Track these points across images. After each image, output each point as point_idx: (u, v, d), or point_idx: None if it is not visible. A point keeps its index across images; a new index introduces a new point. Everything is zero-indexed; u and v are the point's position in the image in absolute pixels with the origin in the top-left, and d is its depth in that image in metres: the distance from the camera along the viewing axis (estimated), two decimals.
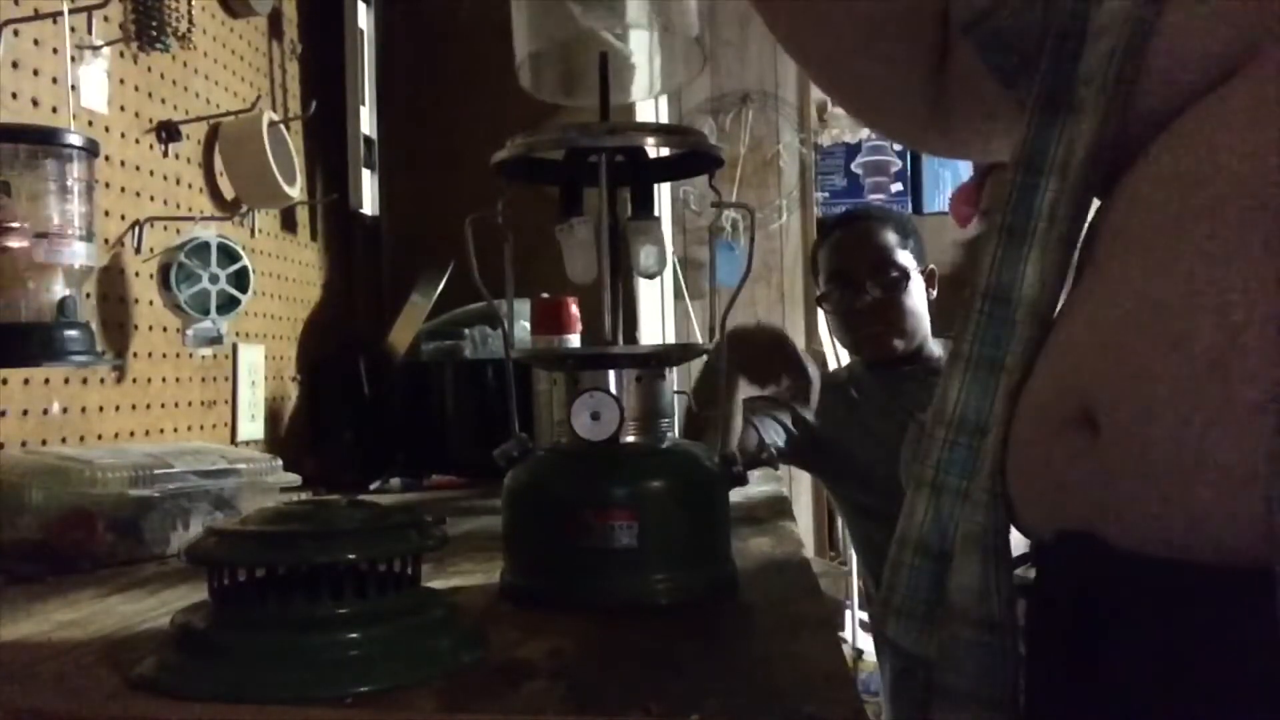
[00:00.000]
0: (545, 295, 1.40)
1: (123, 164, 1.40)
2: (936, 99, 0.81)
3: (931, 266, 1.84)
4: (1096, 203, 0.63)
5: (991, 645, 0.61)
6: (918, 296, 1.77)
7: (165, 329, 1.47)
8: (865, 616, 2.73)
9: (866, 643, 2.73)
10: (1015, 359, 0.62)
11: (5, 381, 1.15)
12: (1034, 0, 0.71)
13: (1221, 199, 0.51)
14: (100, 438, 1.32)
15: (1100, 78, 0.59)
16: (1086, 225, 0.62)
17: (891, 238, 1.77)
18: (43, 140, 1.06)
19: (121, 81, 1.39)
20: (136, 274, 1.41)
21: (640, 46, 0.76)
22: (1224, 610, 0.48)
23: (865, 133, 3.54)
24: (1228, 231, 0.50)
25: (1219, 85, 0.53)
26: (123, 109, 1.39)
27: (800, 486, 2.57)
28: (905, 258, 1.76)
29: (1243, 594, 0.46)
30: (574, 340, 1.38)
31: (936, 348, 1.81)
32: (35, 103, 1.21)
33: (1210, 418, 0.48)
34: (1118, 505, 0.52)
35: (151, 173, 1.46)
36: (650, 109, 2.05)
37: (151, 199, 1.45)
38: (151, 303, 1.43)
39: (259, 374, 1.72)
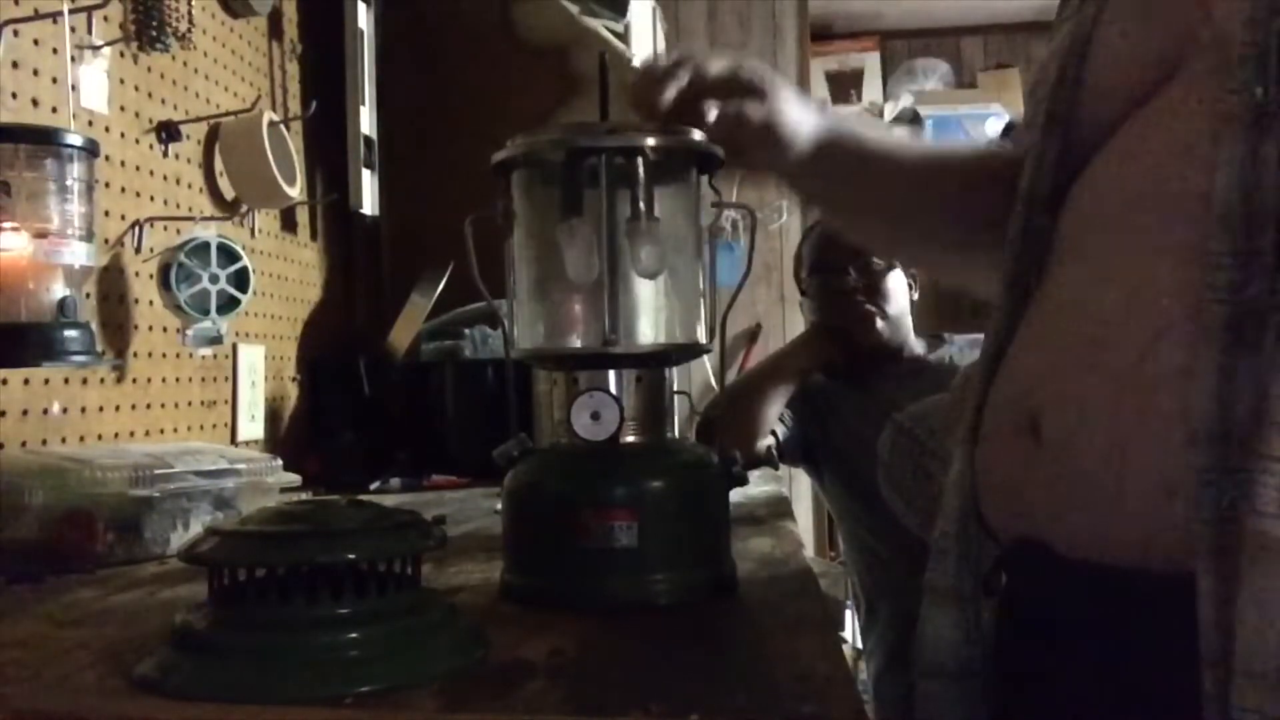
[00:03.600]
0: None
1: (123, 164, 1.40)
2: None
3: (913, 269, 1.85)
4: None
5: (968, 692, 0.61)
6: (900, 289, 1.78)
7: (165, 329, 1.47)
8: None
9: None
10: (974, 385, 0.63)
11: (5, 381, 1.15)
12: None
13: (1143, 208, 0.52)
14: (100, 438, 1.32)
15: (1037, 113, 0.61)
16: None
17: None
18: (43, 140, 1.06)
19: (121, 81, 1.39)
20: (136, 274, 1.41)
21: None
22: (1155, 616, 0.48)
23: None
24: (1149, 240, 0.51)
25: (1148, 100, 0.54)
26: (123, 109, 1.39)
27: (800, 486, 2.57)
28: None
29: (1170, 600, 0.47)
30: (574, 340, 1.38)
31: (919, 346, 1.82)
32: (35, 103, 1.21)
33: (1132, 426, 0.49)
34: (1059, 513, 0.53)
35: (151, 173, 1.46)
36: None
37: (151, 199, 1.45)
38: (151, 303, 1.43)
39: (259, 374, 1.72)
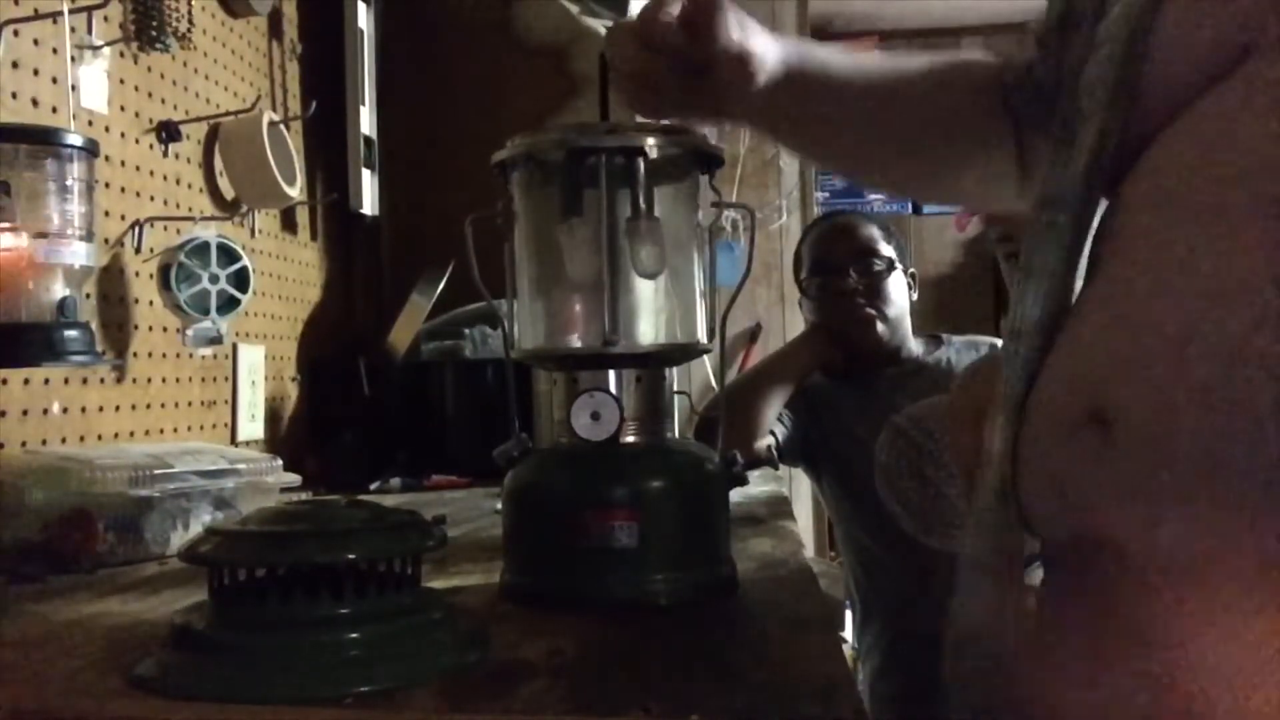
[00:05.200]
0: None
1: (123, 164, 1.40)
2: (1020, 175, 0.85)
3: (913, 269, 1.84)
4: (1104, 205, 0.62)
5: (998, 674, 0.60)
6: (900, 290, 1.77)
7: (165, 329, 1.47)
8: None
9: None
10: (1017, 374, 0.62)
11: (5, 381, 1.15)
12: (1051, 50, 0.73)
13: (1229, 191, 0.50)
14: (100, 438, 1.32)
15: (1100, 85, 0.59)
16: (1094, 228, 0.62)
17: (875, 231, 1.79)
18: (43, 140, 1.06)
19: (121, 81, 1.39)
20: (136, 274, 1.41)
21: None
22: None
23: None
24: (1237, 224, 0.49)
25: (1218, 82, 0.53)
26: (123, 109, 1.39)
27: (800, 486, 2.57)
28: (888, 250, 1.77)
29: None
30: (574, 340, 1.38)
31: (917, 347, 1.82)
32: (35, 103, 1.21)
33: (1224, 421, 0.47)
34: (1132, 512, 0.51)
35: (151, 173, 1.46)
36: None
37: (151, 199, 1.45)
38: (151, 303, 1.43)
39: (259, 374, 1.72)
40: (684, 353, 0.82)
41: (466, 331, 1.83)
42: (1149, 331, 0.52)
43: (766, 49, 0.79)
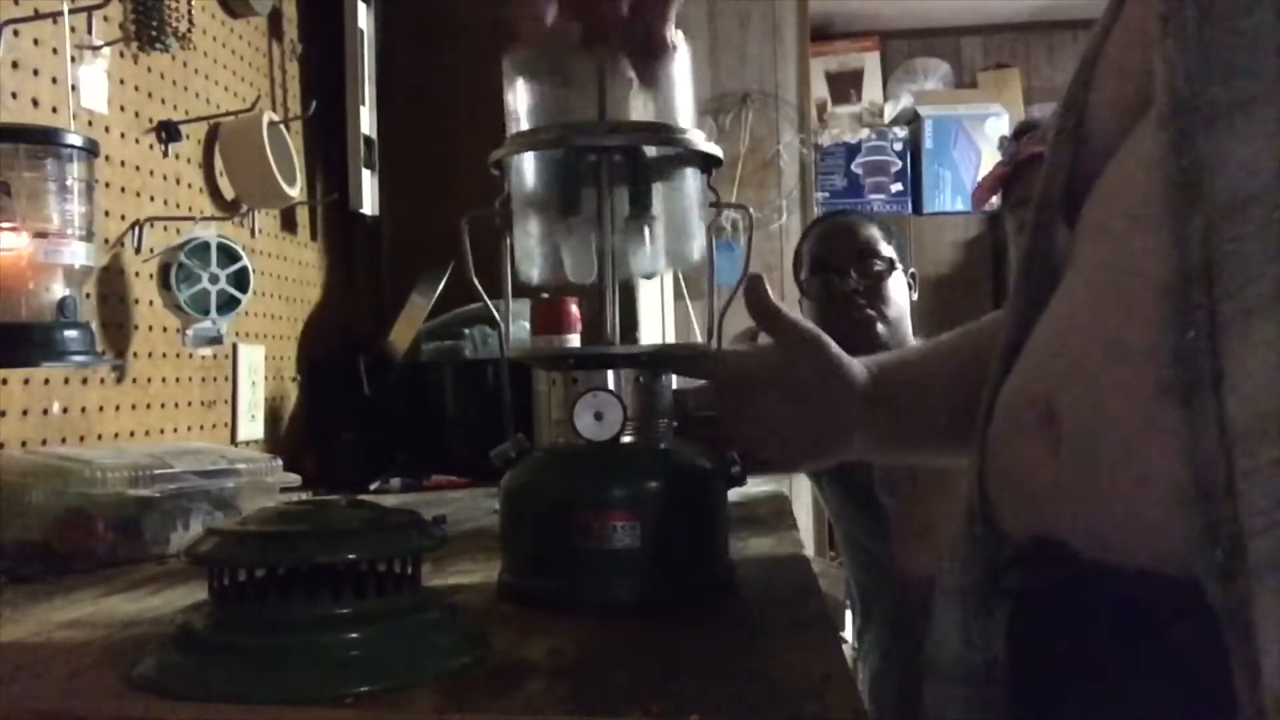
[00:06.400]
0: (545, 295, 1.40)
1: (123, 164, 1.40)
2: None
3: (913, 269, 1.84)
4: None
5: (975, 696, 0.60)
6: (900, 291, 1.77)
7: (165, 329, 1.47)
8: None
9: None
10: (989, 377, 0.63)
11: (5, 381, 1.15)
12: None
13: (1124, 221, 0.52)
14: (100, 438, 1.32)
15: (1058, 111, 0.63)
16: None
17: (876, 231, 1.79)
18: (43, 140, 1.06)
19: (121, 81, 1.39)
20: (136, 274, 1.41)
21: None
22: (1178, 623, 0.47)
23: (865, 132, 3.55)
24: (1155, 237, 0.50)
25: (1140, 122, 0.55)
26: (123, 109, 1.39)
27: (800, 486, 2.57)
28: (888, 250, 1.77)
29: (1196, 608, 0.45)
30: (574, 340, 1.38)
31: None
32: (35, 103, 1.21)
33: (1150, 426, 0.48)
34: (1077, 512, 0.52)
35: (151, 173, 1.46)
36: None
37: (151, 199, 1.45)
38: (151, 303, 1.43)
39: (259, 374, 1.72)
40: (684, 353, 0.82)
41: (466, 331, 1.83)
42: (1083, 336, 0.54)
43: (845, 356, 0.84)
